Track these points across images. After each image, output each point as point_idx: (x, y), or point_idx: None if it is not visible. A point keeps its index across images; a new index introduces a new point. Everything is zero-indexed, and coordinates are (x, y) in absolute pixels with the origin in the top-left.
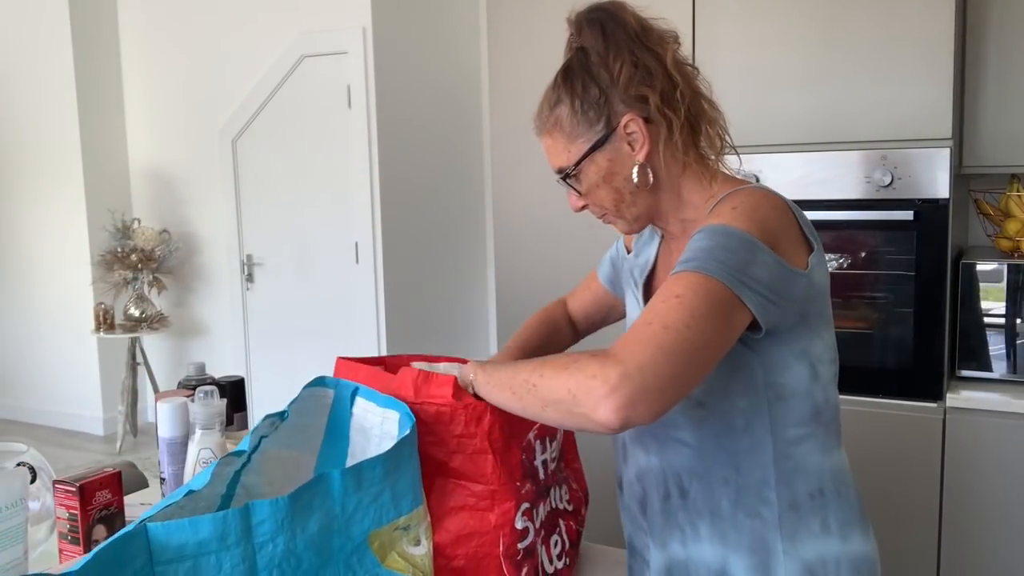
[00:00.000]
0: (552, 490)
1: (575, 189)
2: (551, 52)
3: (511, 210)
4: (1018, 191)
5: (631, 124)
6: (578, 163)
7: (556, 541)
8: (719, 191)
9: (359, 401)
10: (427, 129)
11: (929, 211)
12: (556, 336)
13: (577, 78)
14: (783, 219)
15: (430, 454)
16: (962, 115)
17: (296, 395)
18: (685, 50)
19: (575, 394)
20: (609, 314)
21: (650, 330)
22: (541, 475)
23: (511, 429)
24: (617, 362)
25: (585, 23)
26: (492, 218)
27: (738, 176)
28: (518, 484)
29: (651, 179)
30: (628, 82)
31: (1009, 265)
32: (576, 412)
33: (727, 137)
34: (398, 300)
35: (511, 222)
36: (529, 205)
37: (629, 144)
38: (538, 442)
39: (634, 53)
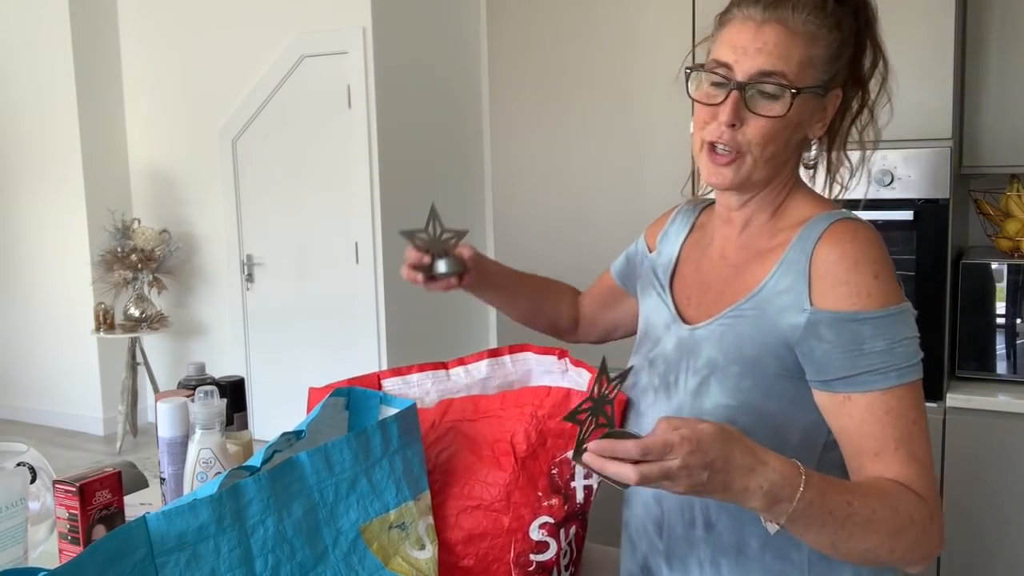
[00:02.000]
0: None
1: (748, 107)
2: (551, 52)
3: (511, 210)
4: (1018, 191)
5: (837, 98)
6: (798, 90)
7: (566, 551)
8: (814, 211)
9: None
10: (427, 129)
11: (929, 211)
12: (553, 301)
13: (858, 18)
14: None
15: (467, 448)
16: (962, 115)
17: (310, 415)
18: (685, 50)
19: (914, 535)
20: (618, 313)
21: (924, 469)
22: (579, 498)
23: (540, 439)
24: (932, 505)
25: None
26: (492, 218)
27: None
28: (540, 495)
29: (812, 159)
30: (865, 64)
31: (1009, 265)
32: (912, 547)
33: (857, 174)
34: (398, 300)
35: (511, 222)
36: (529, 205)
37: (823, 111)
38: (581, 467)
39: (876, 43)
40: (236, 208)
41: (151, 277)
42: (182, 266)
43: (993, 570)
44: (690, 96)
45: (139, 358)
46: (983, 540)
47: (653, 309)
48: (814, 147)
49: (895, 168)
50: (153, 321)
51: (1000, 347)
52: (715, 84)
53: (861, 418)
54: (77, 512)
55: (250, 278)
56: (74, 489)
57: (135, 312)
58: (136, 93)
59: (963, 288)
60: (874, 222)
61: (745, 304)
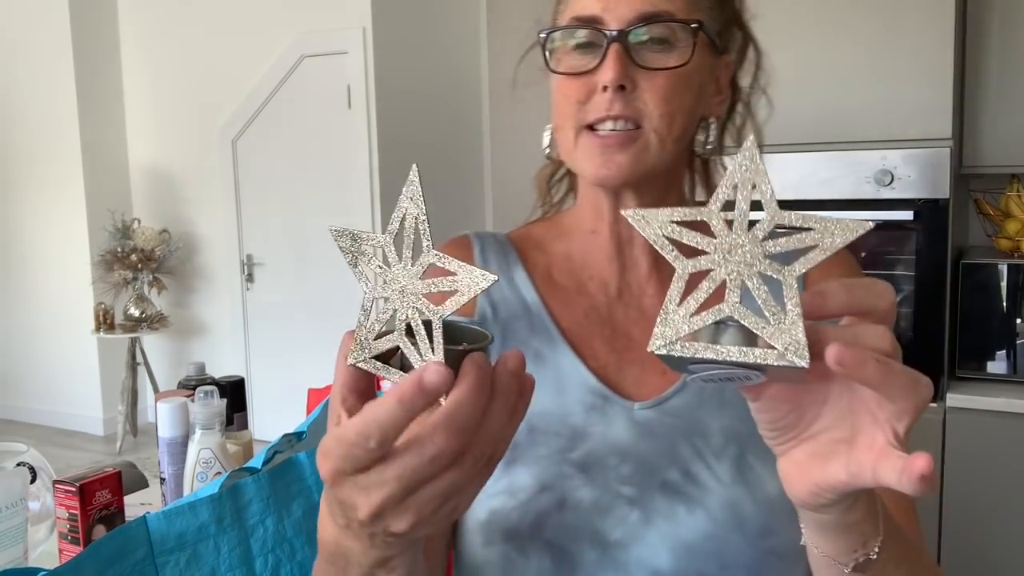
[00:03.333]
0: None
1: (633, 61)
2: None
3: (511, 210)
4: (1018, 191)
5: (729, 69)
6: (699, 24)
7: None
8: None
9: None
10: (427, 129)
11: (929, 211)
12: None
13: None
14: None
15: None
16: (962, 115)
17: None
18: None
19: None
20: None
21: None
22: None
23: None
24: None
25: None
26: (492, 218)
27: None
28: None
29: (710, 143)
30: (736, 40)
31: (1009, 265)
32: None
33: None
34: None
35: (511, 222)
36: (529, 205)
37: (717, 82)
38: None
39: (743, 22)
40: (236, 208)
41: (151, 277)
42: (182, 266)
43: (993, 570)
44: (552, 71)
45: (139, 358)
46: (983, 540)
47: (546, 385)
48: (712, 128)
49: (895, 168)
50: (153, 321)
51: (1000, 347)
52: (581, 47)
53: None
54: (77, 512)
55: (250, 278)
56: (74, 489)
57: (135, 312)
58: (136, 93)
59: (963, 288)
60: (874, 222)
61: None
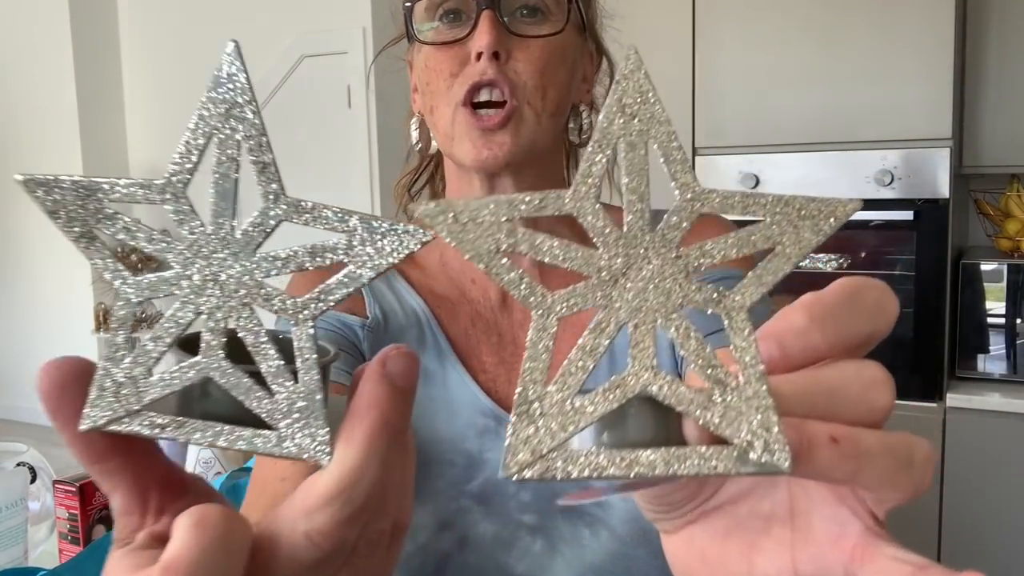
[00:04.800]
0: None
1: (507, 29)
2: None
3: None
4: (1018, 191)
5: (592, 62)
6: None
7: None
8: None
9: None
10: None
11: (929, 211)
12: None
13: None
14: None
15: None
16: (962, 115)
17: None
18: (685, 50)
19: None
20: None
21: None
22: None
23: None
24: None
25: None
26: None
27: None
28: None
29: (585, 130)
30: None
31: (1009, 265)
32: None
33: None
34: None
35: None
36: None
37: (584, 69)
38: None
39: (596, 35)
40: (236, 208)
41: None
42: None
43: (993, 570)
44: (420, 42)
45: None
46: (983, 540)
47: (437, 408)
48: (584, 116)
49: (895, 168)
50: (153, 321)
51: (1000, 347)
52: (449, 18)
53: None
54: (77, 512)
55: None
56: (74, 489)
57: None
58: (136, 93)
59: (963, 288)
60: (874, 222)
61: None
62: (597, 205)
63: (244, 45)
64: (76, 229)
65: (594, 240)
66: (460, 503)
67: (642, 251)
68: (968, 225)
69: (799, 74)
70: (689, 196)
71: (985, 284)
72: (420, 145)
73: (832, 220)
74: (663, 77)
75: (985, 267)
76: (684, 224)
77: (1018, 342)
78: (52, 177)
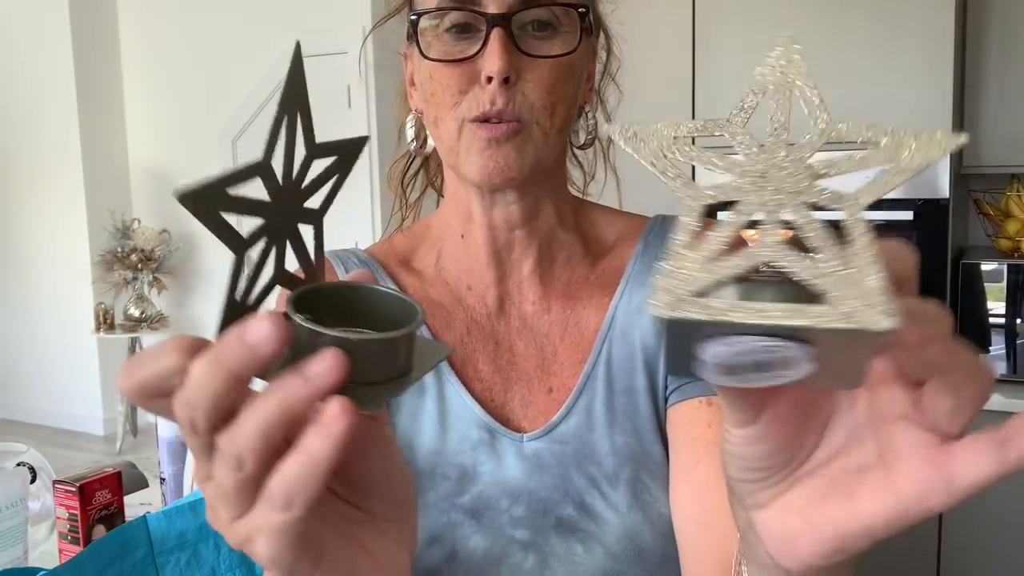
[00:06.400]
0: None
1: (517, 48)
2: None
3: None
4: (1018, 191)
5: (595, 52)
6: (586, 8)
7: None
8: (624, 221)
9: None
10: None
11: (929, 211)
12: None
13: None
14: None
15: None
16: (962, 115)
17: None
18: (685, 51)
19: None
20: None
21: None
22: None
23: None
24: None
25: None
26: None
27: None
28: None
29: (590, 132)
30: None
31: (1009, 265)
32: None
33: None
34: None
35: None
36: None
37: (590, 66)
38: None
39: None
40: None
41: (151, 277)
42: (182, 266)
43: (993, 570)
44: (426, 58)
45: None
46: (983, 540)
47: (431, 420)
48: (588, 116)
49: None
50: (153, 321)
51: (1000, 347)
52: (456, 31)
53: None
54: (77, 512)
55: None
56: (74, 489)
57: (135, 312)
58: (136, 93)
59: (963, 288)
60: (874, 222)
61: (602, 349)
62: (743, 134)
63: (244, 45)
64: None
65: (742, 154)
66: (451, 517)
67: (778, 160)
68: (968, 225)
69: None
70: (822, 126)
71: (985, 284)
72: (415, 144)
73: (939, 150)
74: (663, 77)
75: (985, 267)
76: (816, 143)
77: (1018, 342)
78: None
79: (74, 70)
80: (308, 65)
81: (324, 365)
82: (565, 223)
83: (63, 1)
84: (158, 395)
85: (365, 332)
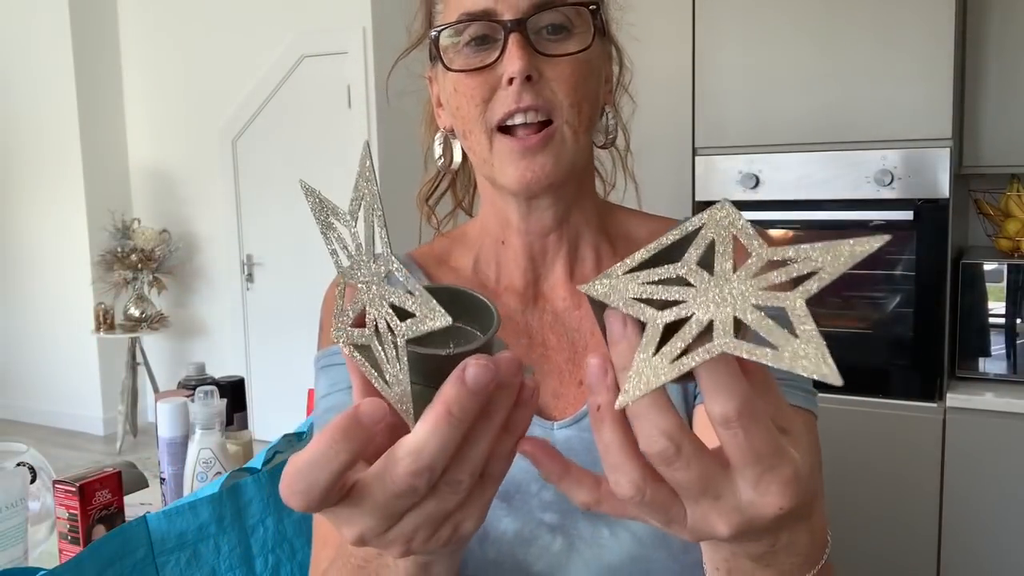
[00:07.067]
0: None
1: (535, 49)
2: None
3: None
4: (1018, 191)
5: (610, 56)
6: (596, 6)
7: None
8: (650, 222)
9: None
10: None
11: (929, 211)
12: None
13: None
14: None
15: None
16: (962, 115)
17: (311, 416)
18: (685, 50)
19: None
20: None
21: None
22: None
23: None
24: None
25: None
26: None
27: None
28: None
29: (611, 130)
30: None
31: (1009, 265)
32: None
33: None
34: None
35: None
36: None
37: (607, 69)
38: None
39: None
40: (236, 208)
41: (151, 277)
42: (182, 266)
43: (993, 570)
44: (449, 69)
45: (139, 358)
46: (982, 540)
47: None
48: (610, 117)
49: (895, 168)
50: (153, 321)
51: (1000, 347)
52: (476, 43)
53: None
54: (77, 512)
55: (250, 278)
56: (74, 489)
57: (135, 312)
58: (136, 93)
59: (963, 288)
60: (874, 222)
61: None
62: (696, 272)
63: (244, 45)
64: (320, 226)
65: (695, 283)
66: None
67: (728, 278)
68: (968, 225)
69: (799, 74)
70: (759, 254)
71: (985, 284)
72: (443, 161)
73: (862, 251)
74: (663, 77)
75: (985, 267)
76: (755, 264)
77: (1018, 342)
78: (315, 189)
79: (74, 70)
80: (308, 65)
81: (522, 415)
82: (592, 224)
83: (63, 1)
84: (339, 491)
85: (471, 334)
